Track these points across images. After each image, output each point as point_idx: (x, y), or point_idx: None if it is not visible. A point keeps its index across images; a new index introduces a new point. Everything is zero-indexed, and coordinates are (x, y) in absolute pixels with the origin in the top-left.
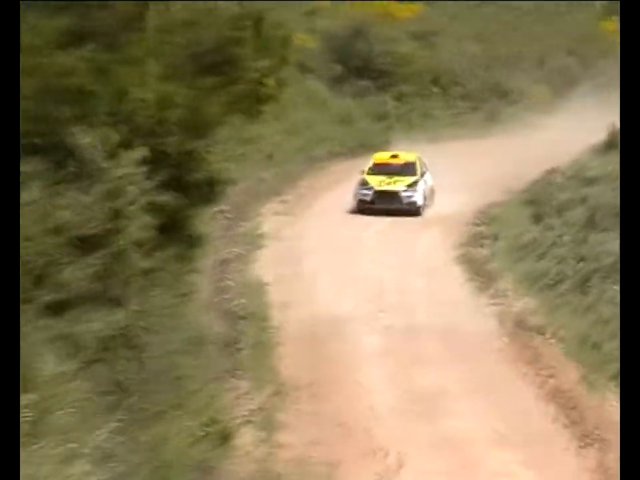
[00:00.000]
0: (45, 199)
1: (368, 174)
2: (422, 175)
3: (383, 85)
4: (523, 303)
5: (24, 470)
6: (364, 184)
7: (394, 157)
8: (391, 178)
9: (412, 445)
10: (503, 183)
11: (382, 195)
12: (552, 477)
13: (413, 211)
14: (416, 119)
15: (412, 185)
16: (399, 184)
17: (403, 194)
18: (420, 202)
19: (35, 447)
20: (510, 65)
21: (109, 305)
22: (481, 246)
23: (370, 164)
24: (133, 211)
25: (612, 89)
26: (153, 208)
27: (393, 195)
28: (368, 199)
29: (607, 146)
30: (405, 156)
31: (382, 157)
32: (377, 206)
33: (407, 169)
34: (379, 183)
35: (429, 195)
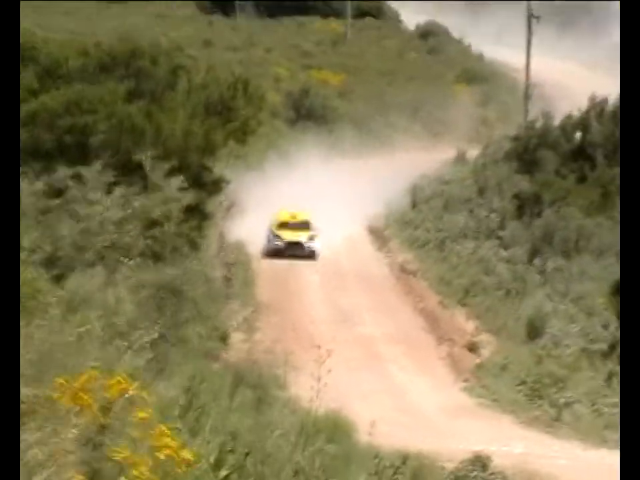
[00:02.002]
0: (123, 197)
1: (277, 229)
2: (315, 230)
3: (320, 124)
4: (404, 257)
5: (100, 352)
6: (276, 236)
7: (293, 216)
8: (294, 232)
9: (336, 342)
10: (392, 181)
11: (290, 244)
12: (419, 361)
13: (311, 256)
14: (340, 145)
15: (311, 238)
16: (301, 236)
17: (305, 244)
18: (317, 250)
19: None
20: (398, 111)
21: (156, 258)
22: (378, 221)
23: (276, 221)
24: (173, 205)
25: (461, 127)
26: (182, 199)
27: (298, 245)
28: (280, 247)
29: (457, 160)
30: (300, 215)
31: (284, 215)
32: (287, 252)
33: (304, 225)
34: (287, 235)
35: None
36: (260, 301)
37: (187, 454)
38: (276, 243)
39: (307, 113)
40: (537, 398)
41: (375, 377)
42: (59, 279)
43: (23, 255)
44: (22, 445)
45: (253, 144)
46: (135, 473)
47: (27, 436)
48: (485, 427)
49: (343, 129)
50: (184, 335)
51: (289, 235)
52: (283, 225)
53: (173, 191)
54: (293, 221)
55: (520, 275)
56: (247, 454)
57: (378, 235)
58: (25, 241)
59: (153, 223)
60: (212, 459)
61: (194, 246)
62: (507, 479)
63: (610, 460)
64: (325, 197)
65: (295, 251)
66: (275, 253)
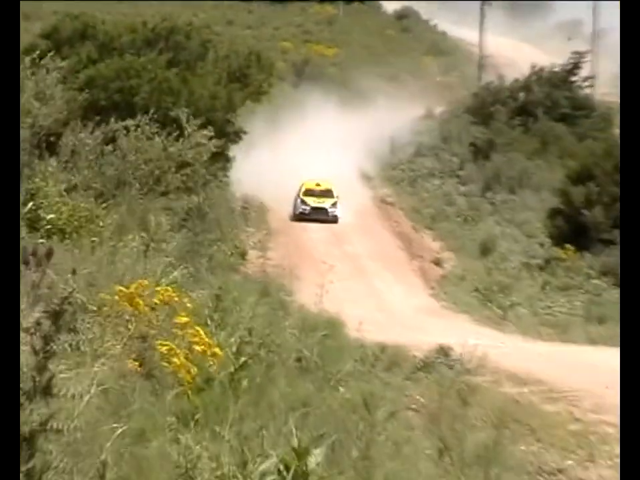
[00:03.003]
0: (162, 143)
1: (304, 195)
2: (337, 197)
3: (317, 87)
4: (384, 191)
5: (145, 265)
6: (303, 202)
7: (317, 185)
8: (319, 198)
9: (332, 258)
10: (375, 132)
11: (315, 209)
12: (396, 273)
13: (334, 220)
14: (333, 103)
15: (334, 204)
16: (325, 202)
17: (329, 209)
18: (339, 215)
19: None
20: (379, 77)
21: (188, 191)
22: (364, 162)
23: (303, 189)
24: (202, 149)
25: (428, 90)
26: (209, 145)
27: (322, 210)
28: (306, 212)
29: (425, 116)
30: (324, 184)
31: (310, 184)
32: (312, 217)
33: (327, 192)
34: (313, 201)
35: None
36: (271, 227)
37: (215, 346)
38: (303, 207)
39: (307, 78)
40: (487, 301)
41: (361, 285)
42: (110, 209)
43: (81, 191)
44: (87, 337)
45: (265, 101)
46: (175, 360)
47: (92, 330)
48: (447, 324)
49: (335, 91)
50: (212, 253)
51: (314, 201)
52: (309, 192)
53: (202, 139)
54: (317, 188)
55: (475, 206)
56: (261, 345)
57: (363, 174)
58: (83, 178)
59: (185, 163)
60: (234, 349)
61: (219, 182)
62: (463, 364)
63: (543, 349)
64: (321, 142)
65: (319, 216)
66: (301, 217)
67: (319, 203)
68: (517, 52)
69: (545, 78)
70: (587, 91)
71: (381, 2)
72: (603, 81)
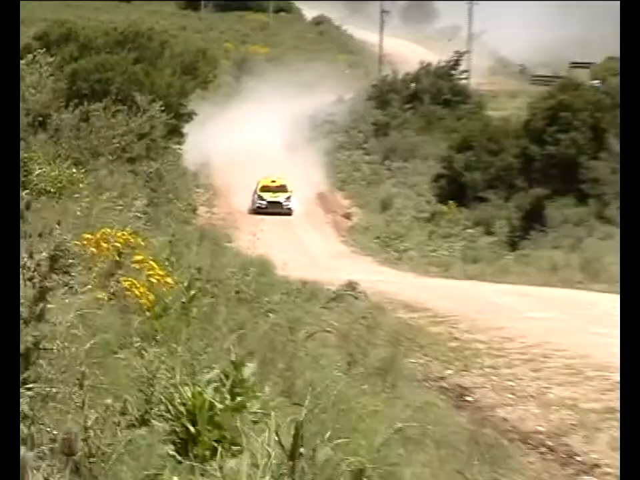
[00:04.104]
0: (123, 118)
1: (260, 191)
2: (291, 191)
3: (254, 79)
4: (306, 160)
5: (115, 217)
6: (260, 197)
7: (273, 181)
8: (274, 193)
9: (266, 222)
10: (300, 113)
11: (271, 204)
12: (314, 225)
13: (288, 213)
14: (266, 92)
15: (288, 198)
16: (280, 197)
17: (284, 203)
18: (293, 207)
19: (121, 213)
20: (302, 71)
21: (150, 159)
22: (289, 137)
23: (259, 185)
24: (158, 125)
25: (340, 81)
26: (164, 123)
27: (278, 204)
28: (263, 206)
29: (337, 101)
30: (279, 180)
31: (265, 181)
32: (268, 210)
33: (282, 188)
34: (269, 196)
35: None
36: (217, 188)
37: (169, 280)
38: (260, 202)
39: (246, 72)
40: (386, 247)
41: (286, 234)
42: (87, 173)
43: (63, 159)
44: (71, 275)
45: (212, 91)
46: (136, 291)
47: (59, 277)
48: (355, 265)
49: (268, 81)
50: (169, 208)
51: (270, 196)
52: (265, 188)
53: (157, 114)
54: (273, 185)
55: (376, 172)
56: (207, 281)
57: (290, 146)
58: (63, 149)
59: (143, 135)
60: (185, 284)
61: (175, 153)
62: (366, 295)
63: (429, 283)
64: (255, 121)
65: (275, 209)
66: (259, 210)
67: (274, 197)
68: (409, 51)
69: (431, 71)
70: (464, 81)
71: (302, 11)
72: (477, 73)
